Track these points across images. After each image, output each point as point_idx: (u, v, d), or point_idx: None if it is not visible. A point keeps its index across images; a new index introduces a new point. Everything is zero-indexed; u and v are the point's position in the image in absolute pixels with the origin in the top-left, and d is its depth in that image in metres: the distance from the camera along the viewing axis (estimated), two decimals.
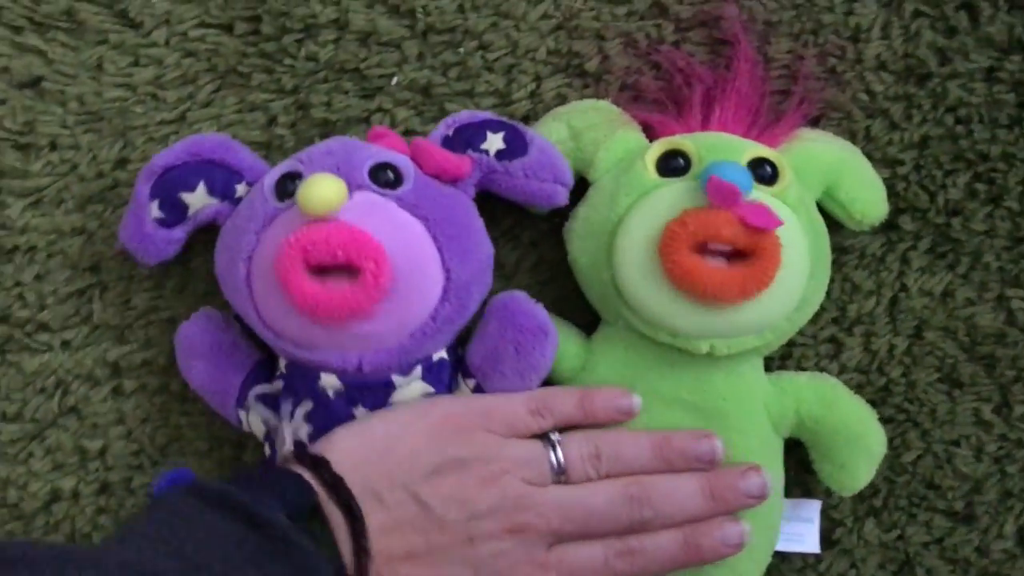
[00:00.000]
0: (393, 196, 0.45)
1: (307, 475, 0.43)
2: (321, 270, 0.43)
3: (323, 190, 0.43)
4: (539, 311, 0.48)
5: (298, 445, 0.47)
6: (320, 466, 0.44)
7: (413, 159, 0.47)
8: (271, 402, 0.49)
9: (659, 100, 0.52)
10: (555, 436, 0.47)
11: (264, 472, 0.45)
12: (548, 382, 0.50)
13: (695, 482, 0.47)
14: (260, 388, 0.49)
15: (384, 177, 0.46)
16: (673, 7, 0.53)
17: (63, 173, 0.53)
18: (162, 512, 0.40)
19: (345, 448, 0.45)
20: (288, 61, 0.53)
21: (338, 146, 0.47)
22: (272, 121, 0.53)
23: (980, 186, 0.54)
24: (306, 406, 0.47)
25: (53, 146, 0.53)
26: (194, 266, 0.53)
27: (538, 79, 0.53)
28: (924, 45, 0.53)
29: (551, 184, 0.48)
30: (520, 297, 0.49)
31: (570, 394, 0.48)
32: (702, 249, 0.45)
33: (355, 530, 0.42)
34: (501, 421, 0.47)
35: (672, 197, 0.47)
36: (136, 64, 0.53)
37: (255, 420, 0.49)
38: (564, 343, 0.50)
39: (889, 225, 0.54)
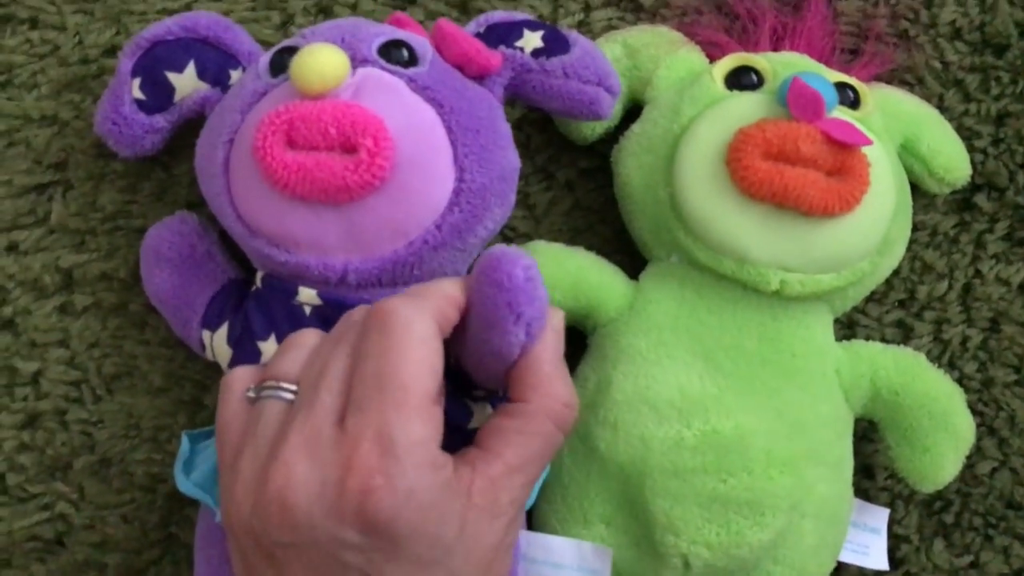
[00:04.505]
0: (404, 75, 0.39)
1: None
2: (311, 150, 0.36)
3: (320, 62, 0.36)
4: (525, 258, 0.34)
5: None
6: None
7: (434, 46, 0.41)
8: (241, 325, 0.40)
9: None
10: None
11: None
12: (593, 322, 0.42)
13: None
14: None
15: (397, 56, 0.39)
16: None
17: (42, 55, 0.46)
18: None
19: None
20: None
21: (348, 22, 0.41)
22: (289, 21, 0.47)
23: None
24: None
25: (34, 23, 0.46)
26: (178, 173, 0.46)
27: (587, 8, 0.48)
28: (1002, 15, 0.50)
29: (594, 87, 0.41)
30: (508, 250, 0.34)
31: None
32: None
33: None
34: None
35: (745, 106, 0.41)
36: None
37: (220, 343, 0.40)
38: (610, 281, 0.43)
39: (964, 204, 0.49)
